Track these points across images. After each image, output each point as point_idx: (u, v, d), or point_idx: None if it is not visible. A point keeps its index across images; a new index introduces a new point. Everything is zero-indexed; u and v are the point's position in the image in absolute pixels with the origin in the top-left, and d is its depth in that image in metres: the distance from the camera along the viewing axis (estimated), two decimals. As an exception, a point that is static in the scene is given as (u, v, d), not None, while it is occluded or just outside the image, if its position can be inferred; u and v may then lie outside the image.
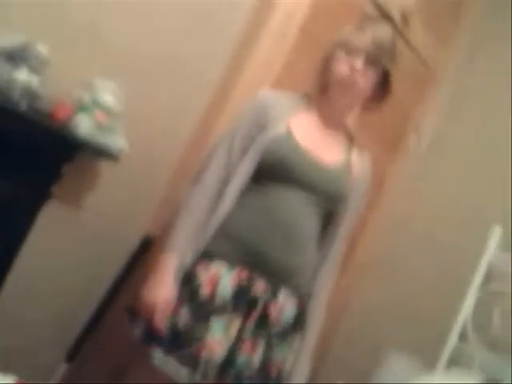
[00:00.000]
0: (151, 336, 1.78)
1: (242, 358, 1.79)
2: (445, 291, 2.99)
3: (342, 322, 3.24)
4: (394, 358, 2.97)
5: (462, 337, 2.86)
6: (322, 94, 1.93)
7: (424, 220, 3.20)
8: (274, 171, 1.83)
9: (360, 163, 1.97)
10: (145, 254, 2.34)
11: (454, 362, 2.83)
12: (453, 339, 2.84)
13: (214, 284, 1.78)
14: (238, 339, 1.79)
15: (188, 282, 1.80)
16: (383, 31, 1.91)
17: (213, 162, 1.86)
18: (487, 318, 2.85)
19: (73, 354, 2.31)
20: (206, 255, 1.81)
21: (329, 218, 1.93)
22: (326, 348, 3.16)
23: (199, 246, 1.82)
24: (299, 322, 1.89)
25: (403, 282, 3.15)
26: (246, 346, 1.80)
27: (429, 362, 2.84)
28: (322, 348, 3.06)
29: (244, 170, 1.83)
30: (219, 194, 1.84)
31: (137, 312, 1.82)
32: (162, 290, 1.78)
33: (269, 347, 1.83)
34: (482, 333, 2.84)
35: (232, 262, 1.80)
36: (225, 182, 1.84)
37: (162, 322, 1.76)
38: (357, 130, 2.05)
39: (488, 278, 2.91)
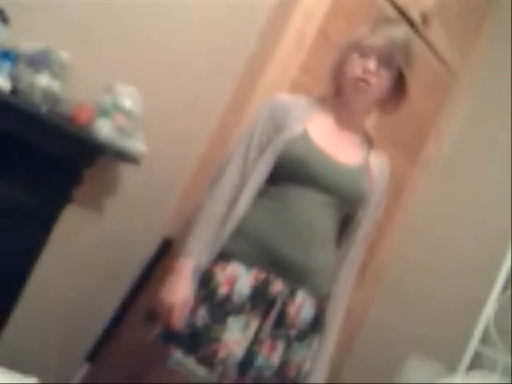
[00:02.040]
0: (170, 337, 1.79)
1: (260, 358, 1.80)
2: (467, 293, 2.97)
3: (363, 324, 3.23)
4: (415, 360, 2.95)
5: (485, 339, 2.84)
6: (337, 95, 1.93)
7: (444, 227, 3.17)
8: (291, 172, 1.83)
9: (378, 164, 1.97)
10: (164, 256, 2.35)
11: (476, 364, 2.81)
12: (475, 342, 2.82)
13: (232, 284, 1.79)
14: (257, 339, 1.79)
15: (206, 282, 1.81)
16: (397, 32, 1.91)
17: (230, 167, 1.87)
18: (510, 320, 2.83)
19: (93, 355, 2.32)
20: (223, 256, 1.82)
21: (348, 219, 1.93)
22: (347, 351, 3.15)
23: (216, 247, 1.83)
24: (317, 323, 1.89)
25: (425, 284, 3.13)
26: (265, 347, 1.80)
27: (450, 365, 2.82)
28: (343, 351, 3.06)
29: (261, 172, 1.84)
30: (236, 198, 1.85)
31: (155, 314, 1.83)
32: (179, 292, 1.79)
33: (287, 348, 1.83)
34: (505, 336, 2.82)
35: (249, 264, 1.81)
36: (242, 186, 1.85)
37: (179, 322, 1.77)
38: (377, 138, 2.04)
39: (510, 281, 2.89)
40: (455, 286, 3.04)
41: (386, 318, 3.18)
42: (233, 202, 1.85)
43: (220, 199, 1.85)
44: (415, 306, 3.12)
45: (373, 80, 1.85)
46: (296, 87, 2.39)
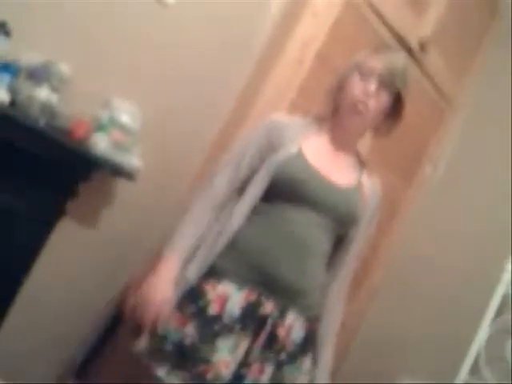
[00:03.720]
0: (155, 353, 1.76)
1: (249, 380, 1.78)
2: (458, 321, 2.97)
3: (354, 347, 3.21)
4: (406, 381, 2.94)
5: (474, 369, 2.83)
6: (334, 115, 1.94)
7: (438, 249, 3.17)
8: (285, 191, 1.83)
9: (370, 185, 1.97)
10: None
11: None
12: (465, 371, 2.81)
13: (223, 302, 1.77)
14: (246, 361, 1.77)
15: (196, 299, 1.79)
16: (397, 57, 1.95)
17: (219, 175, 1.89)
18: (500, 350, 2.82)
19: (82, 370, 2.31)
20: (214, 274, 1.81)
21: (340, 239, 1.93)
22: (338, 372, 3.13)
23: (206, 263, 1.81)
24: (308, 344, 1.88)
25: (416, 309, 3.13)
26: (254, 369, 1.78)
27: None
28: (334, 372, 3.04)
29: (254, 190, 1.84)
30: (222, 207, 1.86)
31: (140, 329, 1.80)
32: (159, 291, 1.77)
33: (278, 369, 1.81)
34: (495, 365, 2.81)
35: (240, 283, 1.80)
36: (229, 196, 1.87)
37: (150, 321, 1.74)
38: (372, 159, 2.05)
39: (501, 310, 2.89)
40: (447, 310, 3.03)
41: (378, 337, 3.16)
42: (220, 209, 1.86)
43: (208, 205, 1.86)
44: (407, 327, 3.11)
45: (371, 103, 1.86)
46: (293, 111, 2.41)
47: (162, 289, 1.78)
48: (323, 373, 1.92)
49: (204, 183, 1.91)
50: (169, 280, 1.79)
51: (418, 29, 2.87)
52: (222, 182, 1.87)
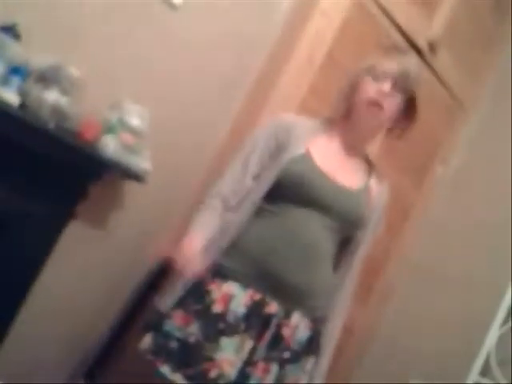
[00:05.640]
0: (159, 350, 1.76)
1: (254, 380, 1.78)
2: (469, 324, 2.95)
3: (365, 352, 3.20)
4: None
5: (485, 370, 2.82)
6: (345, 118, 1.93)
7: (449, 251, 3.16)
8: (290, 191, 1.82)
9: (378, 188, 1.96)
10: (166, 273, 2.35)
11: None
12: (475, 373, 2.80)
13: (227, 302, 1.78)
14: (250, 361, 1.77)
15: (200, 298, 1.78)
16: (409, 61, 1.93)
17: (229, 173, 1.89)
18: (510, 353, 2.81)
19: (92, 371, 2.31)
20: (219, 274, 1.80)
21: (345, 242, 1.92)
22: (350, 377, 3.12)
23: (211, 256, 1.81)
24: (312, 345, 1.87)
25: (427, 312, 3.11)
26: (259, 368, 1.78)
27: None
28: (346, 377, 3.04)
29: (258, 189, 1.84)
30: (233, 206, 1.85)
31: (148, 325, 1.81)
32: (191, 248, 1.78)
33: (281, 369, 1.81)
34: (505, 367, 2.80)
35: (245, 283, 1.80)
36: (239, 194, 1.86)
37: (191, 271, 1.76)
38: (383, 161, 2.04)
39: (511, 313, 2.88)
40: (457, 315, 3.01)
41: (390, 342, 3.15)
42: (231, 208, 1.85)
43: (219, 202, 1.86)
44: (419, 332, 3.10)
45: (386, 103, 1.85)
46: (304, 108, 2.41)
47: (194, 249, 1.77)
48: (320, 372, 1.91)
49: (216, 181, 1.91)
50: (196, 247, 1.78)
51: (427, 29, 2.86)
52: (231, 182, 1.87)
